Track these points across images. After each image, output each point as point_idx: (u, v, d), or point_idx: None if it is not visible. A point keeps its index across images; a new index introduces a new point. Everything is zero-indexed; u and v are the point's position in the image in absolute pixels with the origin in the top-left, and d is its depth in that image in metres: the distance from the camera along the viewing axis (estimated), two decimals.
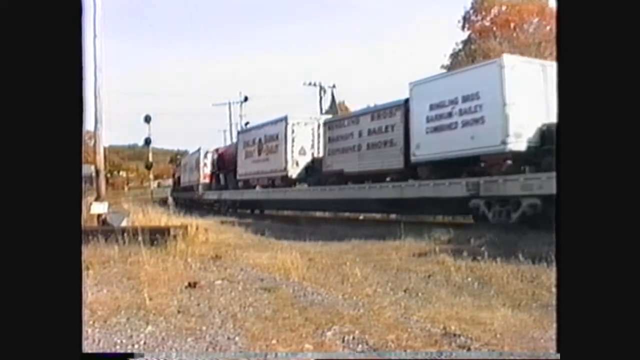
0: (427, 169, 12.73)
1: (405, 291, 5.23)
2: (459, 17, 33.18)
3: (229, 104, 44.57)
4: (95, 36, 12.59)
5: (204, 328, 3.97)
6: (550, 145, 10.10)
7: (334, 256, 7.65)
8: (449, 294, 5.09)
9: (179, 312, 4.46)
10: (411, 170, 13.09)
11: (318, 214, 18.32)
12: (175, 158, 53.77)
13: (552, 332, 3.15)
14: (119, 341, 3.74)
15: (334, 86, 36.12)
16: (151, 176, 48.29)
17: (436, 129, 12.17)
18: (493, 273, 5.74)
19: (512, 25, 30.12)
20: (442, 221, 13.54)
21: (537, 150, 10.55)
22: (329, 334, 3.77)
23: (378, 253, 7.84)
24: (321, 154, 17.22)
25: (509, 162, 11.11)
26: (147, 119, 41.74)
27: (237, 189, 22.24)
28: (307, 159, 18.21)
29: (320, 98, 35.54)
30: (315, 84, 35.84)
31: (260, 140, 20.31)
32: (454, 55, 32.51)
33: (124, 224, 11.97)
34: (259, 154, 20.29)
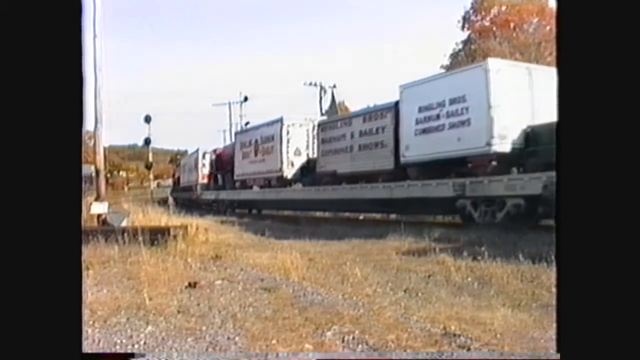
0: (416, 169, 13.10)
1: (405, 291, 5.23)
2: (458, 17, 33.27)
3: (229, 104, 44.63)
4: (95, 36, 12.60)
5: (204, 328, 3.97)
6: (534, 147, 10.71)
7: (334, 256, 7.66)
8: (449, 294, 5.09)
9: (179, 312, 4.46)
10: (401, 171, 13.45)
11: (318, 214, 18.42)
12: (175, 158, 53.79)
13: (552, 332, 3.15)
14: (119, 341, 3.74)
15: (334, 86, 36.18)
16: (151, 176, 48.29)
17: (424, 131, 12.54)
18: (493, 273, 5.74)
19: (512, 25, 30.14)
20: (442, 221, 13.59)
21: (521, 152, 10.92)
22: (329, 334, 3.77)
23: (378, 253, 7.84)
24: (316, 155, 17.54)
25: (494, 163, 11.41)
26: (147, 119, 41.76)
27: (234, 189, 22.61)
28: (302, 159, 18.58)
29: (320, 98, 35.55)
30: (315, 84, 35.87)
31: (256, 141, 20.66)
32: (454, 55, 32.55)
33: (124, 224, 11.97)
34: (256, 154, 20.64)
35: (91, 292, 5.10)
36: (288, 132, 18.67)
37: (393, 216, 15.40)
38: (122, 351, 3.57)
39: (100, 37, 12.69)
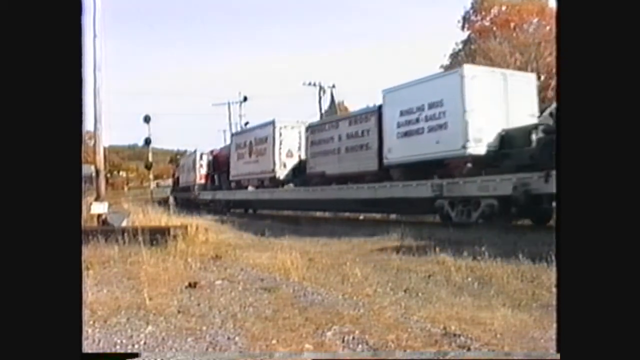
0: (398, 171, 13.81)
1: (405, 291, 5.23)
2: (458, 17, 33.28)
3: (228, 104, 44.57)
4: (95, 36, 12.61)
5: (204, 328, 3.96)
6: (509, 149, 11.33)
7: (334, 256, 7.65)
8: (449, 293, 5.09)
9: (179, 312, 4.45)
10: (385, 172, 14.19)
11: (318, 214, 18.64)
12: (175, 158, 53.78)
13: (552, 332, 3.15)
14: (119, 341, 3.74)
15: (333, 86, 36.19)
16: (151, 176, 48.31)
17: (406, 134, 13.25)
18: (493, 273, 5.74)
19: (512, 25, 30.13)
20: (441, 221, 13.59)
21: (496, 154, 11.52)
22: (329, 334, 3.77)
23: (378, 253, 7.84)
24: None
25: (470, 165, 12.00)
26: (147, 119, 41.85)
27: (230, 190, 23.33)
28: (294, 161, 19.27)
29: (320, 98, 35.56)
30: (314, 84, 35.86)
31: (251, 142, 21.36)
32: (454, 55, 32.54)
33: (124, 224, 11.98)
34: (250, 156, 21.30)
35: (91, 292, 5.10)
36: (280, 134, 19.34)
37: (393, 216, 15.52)
38: (122, 351, 3.57)
39: (100, 37, 12.72)
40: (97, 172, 13.22)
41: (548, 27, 26.72)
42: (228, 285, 5.62)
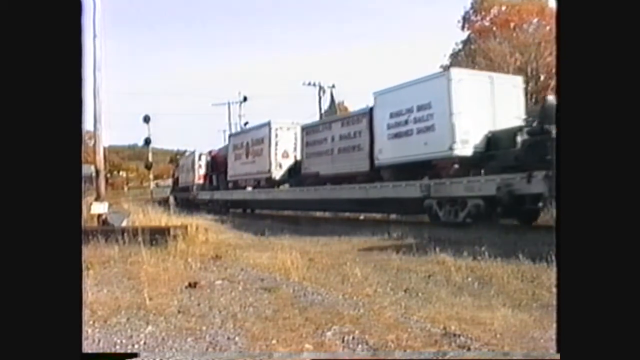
0: (389, 171, 14.14)
1: (405, 291, 5.23)
2: (458, 17, 33.28)
3: (228, 104, 44.54)
4: (95, 36, 12.62)
5: (204, 328, 3.96)
6: (495, 151, 11.60)
7: (335, 256, 7.66)
8: (449, 293, 5.09)
9: (179, 312, 4.45)
10: (376, 172, 14.53)
11: (318, 214, 18.69)
12: (175, 158, 53.75)
13: (552, 332, 3.15)
14: (119, 341, 3.74)
15: (333, 86, 36.19)
16: (151, 176, 48.27)
17: (396, 135, 13.58)
18: (493, 273, 5.74)
19: (512, 25, 30.14)
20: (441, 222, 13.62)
21: (482, 155, 11.80)
22: (329, 334, 3.77)
23: (378, 252, 7.84)
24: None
25: (457, 166, 12.34)
26: (147, 119, 41.76)
27: (227, 190, 23.65)
28: (289, 161, 19.58)
29: (320, 98, 35.56)
30: (314, 84, 35.86)
31: (247, 143, 21.71)
32: (454, 55, 32.55)
33: (124, 224, 11.98)
34: (247, 156, 21.65)
35: (91, 292, 5.10)
36: (276, 135, 19.66)
37: (393, 216, 15.56)
38: (122, 351, 3.57)
39: (100, 37, 12.73)
40: (97, 172, 13.22)
41: (548, 27, 26.72)
42: (228, 285, 5.61)
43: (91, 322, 4.10)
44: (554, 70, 20.53)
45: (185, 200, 28.49)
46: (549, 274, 5.27)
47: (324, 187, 16.56)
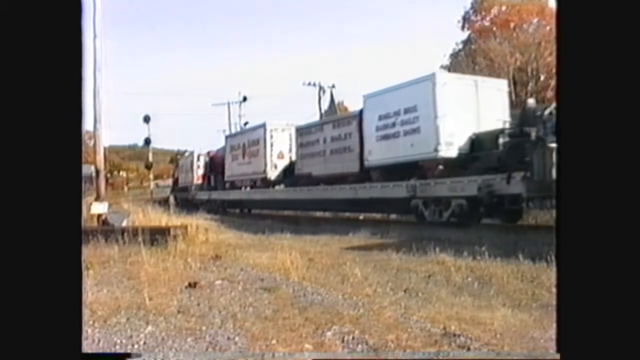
0: (377, 172, 14.62)
1: (405, 291, 5.23)
2: (459, 17, 33.26)
3: (228, 104, 44.51)
4: (95, 36, 12.64)
5: (204, 328, 3.96)
6: (479, 152, 11.96)
7: (334, 256, 7.66)
8: (449, 293, 5.09)
9: (179, 312, 4.45)
10: (366, 173, 15.01)
11: (318, 214, 18.81)
12: (175, 158, 53.76)
13: (552, 332, 3.15)
14: (119, 341, 3.74)
15: (333, 86, 36.14)
16: (151, 176, 48.27)
17: (384, 137, 13.98)
18: (493, 273, 5.74)
19: (512, 25, 30.12)
20: (440, 221, 13.65)
21: (466, 157, 12.19)
22: (328, 334, 3.77)
23: (378, 252, 7.84)
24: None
25: (441, 167, 12.75)
26: (147, 119, 41.75)
27: (225, 190, 24.09)
28: (285, 162, 20.02)
29: (320, 98, 35.52)
30: (314, 84, 35.82)
31: (244, 144, 22.13)
32: (454, 55, 32.55)
33: (124, 224, 11.98)
34: (243, 157, 22.07)
35: (91, 292, 5.10)
36: (272, 137, 20.12)
37: (393, 216, 15.62)
38: (122, 351, 3.57)
39: (100, 37, 12.74)
40: (97, 172, 13.23)
41: (548, 27, 26.71)
42: (228, 285, 5.61)
43: (91, 322, 4.10)
44: (554, 70, 20.54)
45: (185, 200, 28.69)
46: (549, 275, 5.26)
47: (316, 188, 16.97)
